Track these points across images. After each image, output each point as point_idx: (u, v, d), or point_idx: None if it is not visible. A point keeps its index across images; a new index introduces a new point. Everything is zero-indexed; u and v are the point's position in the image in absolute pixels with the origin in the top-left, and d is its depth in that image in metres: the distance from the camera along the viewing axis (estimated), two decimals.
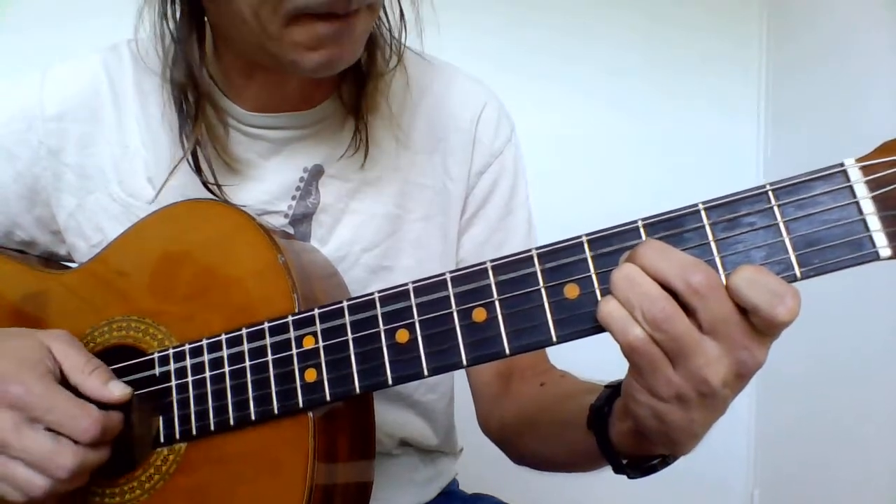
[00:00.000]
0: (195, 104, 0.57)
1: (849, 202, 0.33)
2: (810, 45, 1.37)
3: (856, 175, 0.33)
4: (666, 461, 0.44)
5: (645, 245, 0.35)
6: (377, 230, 0.64)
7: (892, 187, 0.33)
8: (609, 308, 0.35)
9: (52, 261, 0.69)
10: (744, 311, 0.34)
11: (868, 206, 0.33)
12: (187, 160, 0.58)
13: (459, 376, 0.72)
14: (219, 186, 0.59)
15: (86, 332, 0.56)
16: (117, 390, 0.49)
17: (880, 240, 0.32)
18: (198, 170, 0.58)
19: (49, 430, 0.46)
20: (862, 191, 0.33)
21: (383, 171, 0.64)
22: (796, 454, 1.37)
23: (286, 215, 0.62)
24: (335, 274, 0.59)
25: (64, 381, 0.49)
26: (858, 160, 0.34)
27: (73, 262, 0.67)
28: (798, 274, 0.34)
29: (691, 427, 0.38)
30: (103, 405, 0.48)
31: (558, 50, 1.52)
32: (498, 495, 0.74)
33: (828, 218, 0.33)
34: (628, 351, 0.36)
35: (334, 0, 0.46)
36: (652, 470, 0.44)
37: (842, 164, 0.34)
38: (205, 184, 0.59)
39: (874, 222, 0.32)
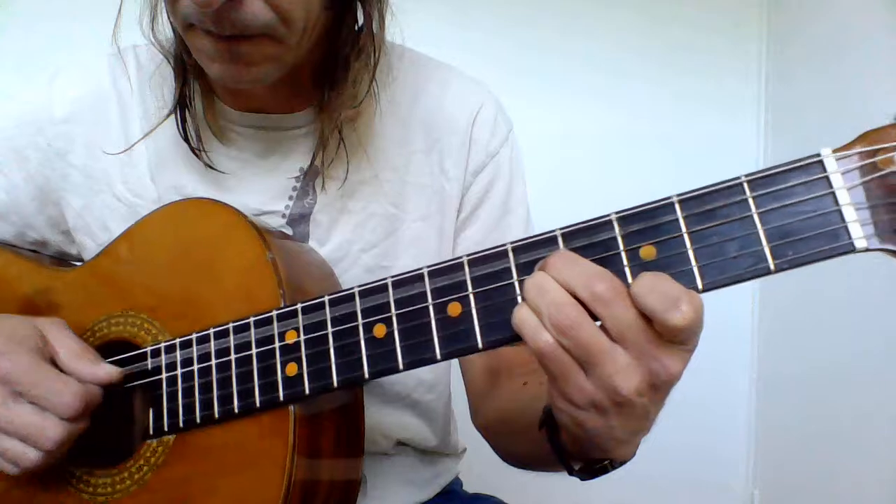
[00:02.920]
0: (183, 70, 0.58)
1: (825, 192, 0.31)
2: (810, 45, 1.34)
3: (832, 165, 0.31)
4: (613, 464, 0.42)
5: (554, 255, 0.35)
6: (375, 230, 0.63)
7: (869, 178, 0.30)
8: (521, 314, 0.35)
9: (64, 260, 0.70)
10: (649, 319, 0.33)
11: (844, 197, 0.31)
12: (175, 119, 0.58)
13: (458, 376, 0.70)
14: (204, 151, 0.59)
15: (87, 326, 0.56)
16: (107, 370, 0.50)
17: (856, 231, 0.30)
18: (185, 137, 0.58)
19: (34, 404, 0.46)
20: (838, 181, 0.31)
21: (380, 171, 0.62)
22: (796, 454, 1.34)
23: (283, 215, 0.62)
24: (332, 275, 0.58)
25: (57, 367, 0.49)
26: (835, 150, 0.32)
27: (84, 261, 0.67)
28: (772, 266, 0.32)
29: (613, 433, 0.36)
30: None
31: (558, 50, 1.49)
32: (502, 496, 0.72)
33: (803, 209, 0.32)
34: (539, 357, 0.35)
35: (206, 19, 0.45)
36: (602, 471, 0.43)
37: (818, 155, 0.32)
38: (193, 150, 0.59)
39: (850, 213, 0.30)
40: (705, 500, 1.43)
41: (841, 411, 1.18)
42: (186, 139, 0.58)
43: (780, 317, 1.41)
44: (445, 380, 0.72)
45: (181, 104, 0.58)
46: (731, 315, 1.47)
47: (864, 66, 1.13)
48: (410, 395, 0.67)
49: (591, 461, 0.42)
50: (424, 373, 0.67)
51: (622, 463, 0.42)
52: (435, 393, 0.69)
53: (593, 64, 1.50)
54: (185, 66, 0.57)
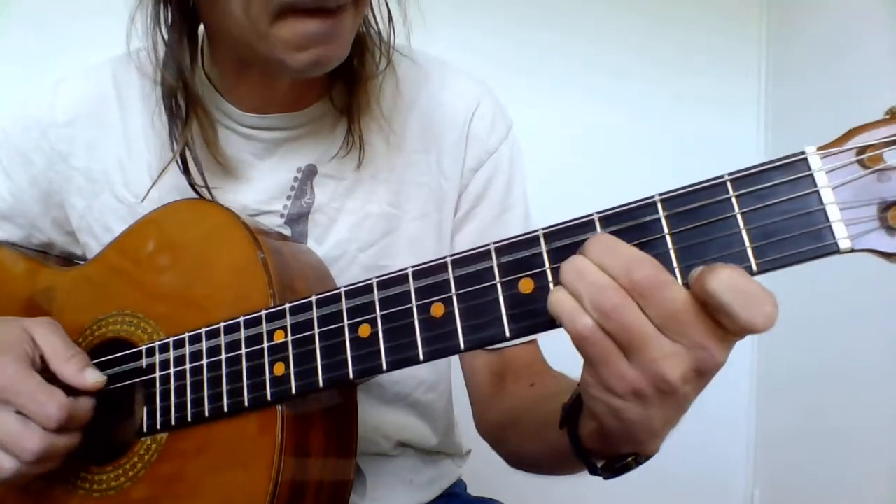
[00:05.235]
0: (185, 107, 0.56)
1: (809, 191, 0.30)
2: (810, 45, 1.32)
3: (817, 163, 0.30)
4: (637, 460, 0.40)
5: (593, 239, 0.33)
6: (373, 229, 0.62)
7: (856, 176, 0.29)
8: (558, 297, 0.33)
9: (69, 260, 0.70)
10: (702, 307, 0.31)
11: (828, 196, 0.29)
12: (177, 162, 0.57)
13: (459, 378, 0.69)
14: (208, 189, 0.58)
15: (86, 325, 0.56)
16: (91, 377, 0.48)
17: (840, 231, 0.29)
18: (186, 172, 0.57)
19: (20, 413, 0.45)
20: (823, 179, 0.30)
21: (378, 170, 0.62)
22: (796, 454, 1.31)
23: (281, 215, 0.61)
24: (328, 277, 0.57)
25: (45, 369, 0.49)
26: (821, 148, 0.30)
27: (87, 261, 0.67)
28: (754, 267, 0.30)
29: (650, 424, 0.34)
30: (78, 393, 0.47)
31: (558, 50, 1.47)
32: (506, 499, 0.70)
33: (787, 208, 0.30)
34: (578, 341, 0.33)
35: None
36: (624, 469, 0.40)
37: (803, 152, 0.30)
38: (192, 186, 0.57)
39: (834, 212, 0.29)
40: (705, 500, 1.40)
41: (841, 411, 1.16)
42: (188, 174, 0.57)
43: (780, 317, 1.37)
44: (447, 379, 0.71)
45: (183, 155, 0.56)
46: None
47: (864, 66, 1.11)
48: (411, 395, 0.66)
49: (614, 458, 0.40)
50: (426, 372, 0.66)
51: (647, 458, 0.40)
52: (436, 392, 0.68)
53: (593, 64, 1.47)
54: (186, 85, 0.55)
